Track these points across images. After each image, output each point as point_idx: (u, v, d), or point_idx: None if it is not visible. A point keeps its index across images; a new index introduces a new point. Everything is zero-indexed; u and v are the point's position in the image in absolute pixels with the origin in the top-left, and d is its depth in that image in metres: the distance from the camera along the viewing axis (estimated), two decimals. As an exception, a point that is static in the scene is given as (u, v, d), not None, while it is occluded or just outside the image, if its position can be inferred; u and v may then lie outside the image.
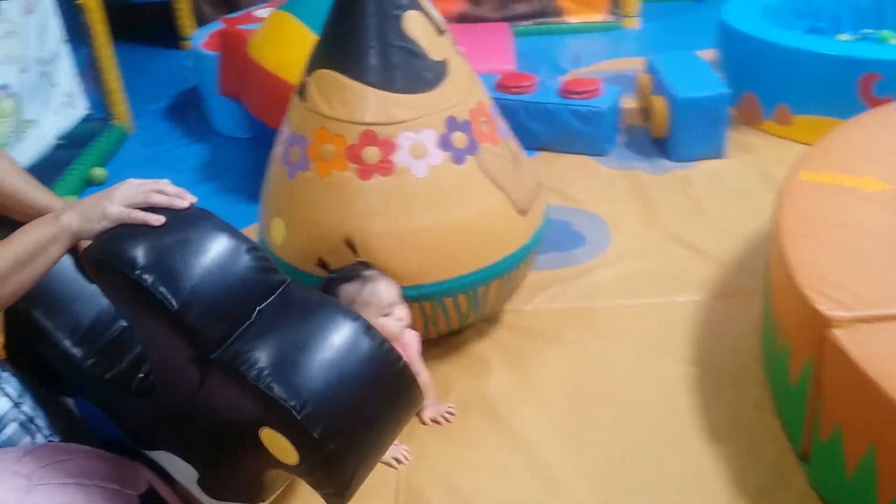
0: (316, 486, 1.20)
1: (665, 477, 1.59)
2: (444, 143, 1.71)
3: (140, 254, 1.13)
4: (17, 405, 1.44)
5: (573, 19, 4.58)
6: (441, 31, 1.77)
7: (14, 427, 1.41)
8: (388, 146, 1.68)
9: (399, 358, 1.17)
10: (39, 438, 1.44)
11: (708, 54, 3.28)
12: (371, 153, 1.68)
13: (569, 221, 2.53)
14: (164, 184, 1.24)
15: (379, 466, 1.58)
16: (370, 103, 1.68)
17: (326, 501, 1.22)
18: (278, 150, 1.84)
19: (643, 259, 2.30)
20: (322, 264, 1.69)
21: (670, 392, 1.80)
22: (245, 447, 1.19)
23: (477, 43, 3.83)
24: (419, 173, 1.69)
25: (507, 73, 3.19)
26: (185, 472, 1.32)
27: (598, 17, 4.58)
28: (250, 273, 1.18)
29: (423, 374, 1.69)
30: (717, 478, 1.58)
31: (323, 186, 1.71)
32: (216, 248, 1.17)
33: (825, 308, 1.44)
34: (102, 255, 1.16)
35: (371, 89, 1.68)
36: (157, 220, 1.17)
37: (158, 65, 4.24)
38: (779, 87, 2.97)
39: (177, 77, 3.92)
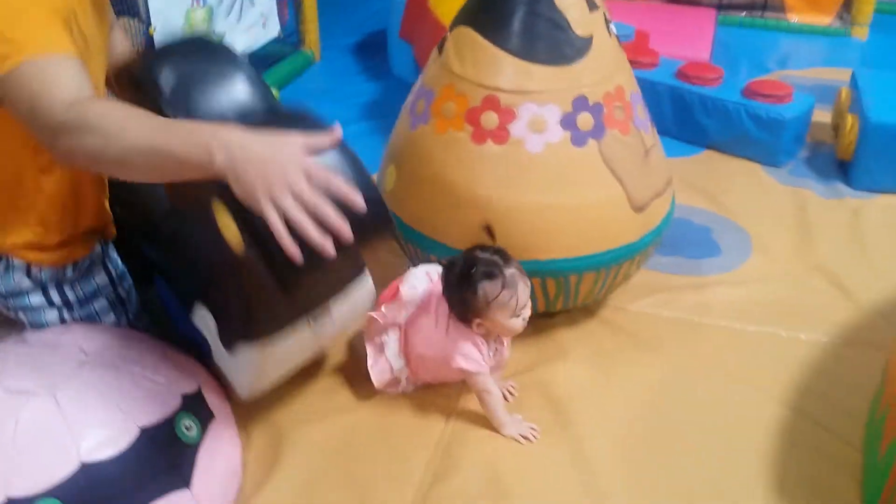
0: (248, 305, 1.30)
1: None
2: (568, 122, 1.65)
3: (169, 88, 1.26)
4: (113, 284, 1.58)
5: (795, 18, 4.20)
6: (594, 6, 1.70)
7: (104, 303, 1.55)
8: (507, 114, 1.65)
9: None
10: (123, 320, 1.58)
11: (934, 80, 2.91)
12: (489, 118, 1.65)
13: (709, 228, 2.37)
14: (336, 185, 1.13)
15: (419, 425, 1.61)
16: (499, 68, 1.65)
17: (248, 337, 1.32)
18: (409, 99, 1.85)
19: (776, 285, 2.12)
20: (489, 230, 1.63)
21: (754, 434, 1.65)
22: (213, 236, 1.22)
23: (673, 25, 3.66)
24: (534, 148, 1.65)
25: (693, 61, 3.01)
26: (214, 335, 1.42)
27: (824, 19, 4.16)
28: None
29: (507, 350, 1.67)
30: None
31: (437, 143, 1.71)
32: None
33: (935, 383, 1.27)
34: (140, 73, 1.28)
35: (504, 54, 1.65)
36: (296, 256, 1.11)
37: (357, 4, 4.38)
38: None
39: (372, 18, 4.04)
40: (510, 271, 1.51)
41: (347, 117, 3.01)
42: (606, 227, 1.71)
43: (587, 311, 1.98)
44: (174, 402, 1.36)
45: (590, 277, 1.74)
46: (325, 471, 1.54)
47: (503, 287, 1.49)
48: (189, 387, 1.40)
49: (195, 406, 1.40)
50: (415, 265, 1.75)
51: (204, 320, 1.46)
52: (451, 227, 1.72)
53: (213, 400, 1.44)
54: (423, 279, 1.69)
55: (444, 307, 1.58)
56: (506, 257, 1.54)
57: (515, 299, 1.50)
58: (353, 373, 1.77)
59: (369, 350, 1.67)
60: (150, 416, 1.32)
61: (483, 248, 1.55)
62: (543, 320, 1.91)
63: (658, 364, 1.84)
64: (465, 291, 1.51)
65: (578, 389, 1.75)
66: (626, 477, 1.55)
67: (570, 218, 1.67)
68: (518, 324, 1.54)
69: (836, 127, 2.86)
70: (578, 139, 1.66)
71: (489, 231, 1.58)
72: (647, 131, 1.80)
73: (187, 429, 1.36)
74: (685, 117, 2.87)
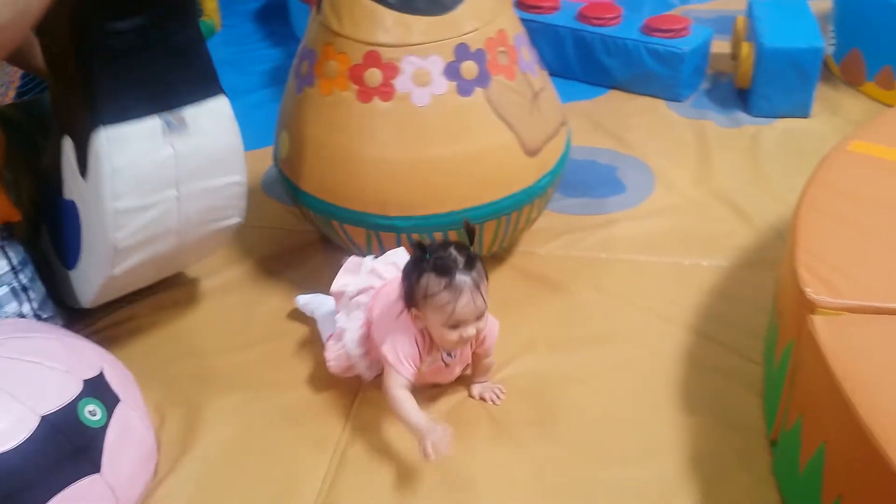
0: None
1: (630, 439, 1.53)
2: (451, 72, 1.65)
3: None
4: (15, 271, 1.54)
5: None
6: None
7: (5, 290, 1.52)
8: (390, 70, 1.64)
9: None
10: (26, 308, 1.55)
11: (827, 5, 2.99)
12: (373, 76, 1.65)
13: (614, 168, 2.41)
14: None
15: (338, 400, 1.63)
16: (378, 23, 1.64)
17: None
18: (294, 62, 1.83)
19: (678, 216, 2.18)
20: (468, 228, 1.46)
21: (660, 359, 1.71)
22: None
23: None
24: (421, 101, 1.65)
25: (592, 2, 3.02)
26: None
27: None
28: None
29: (491, 357, 1.60)
30: (680, 449, 1.50)
31: (324, 105, 1.70)
32: None
33: (812, 291, 1.33)
34: None
35: (381, 8, 1.63)
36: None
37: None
38: (886, 46, 2.67)
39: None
40: (462, 278, 1.36)
41: (251, 85, 2.96)
42: (501, 174, 1.72)
43: (497, 259, 2.01)
44: (75, 388, 1.34)
45: (491, 226, 1.77)
46: (243, 446, 1.55)
47: (445, 288, 1.36)
48: (90, 371, 1.38)
49: (98, 390, 1.38)
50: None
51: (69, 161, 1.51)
52: (348, 191, 1.72)
53: (117, 383, 1.43)
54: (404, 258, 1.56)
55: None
56: (471, 264, 1.39)
57: (452, 307, 1.36)
58: (271, 348, 1.78)
59: (327, 334, 1.63)
60: (51, 403, 1.30)
61: (460, 246, 1.42)
62: (453, 272, 1.93)
63: (567, 301, 1.88)
64: (411, 275, 1.41)
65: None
66: (535, 410, 1.60)
67: (463, 168, 1.68)
68: (452, 336, 1.39)
69: (735, 56, 2.92)
70: (464, 89, 1.66)
71: (469, 229, 1.44)
72: (535, 74, 1.81)
73: (91, 413, 1.34)
74: (588, 59, 2.89)
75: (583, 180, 2.32)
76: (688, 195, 2.27)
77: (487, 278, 1.44)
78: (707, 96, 2.81)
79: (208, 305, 1.91)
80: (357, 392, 1.64)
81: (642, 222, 2.16)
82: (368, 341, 1.55)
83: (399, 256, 1.59)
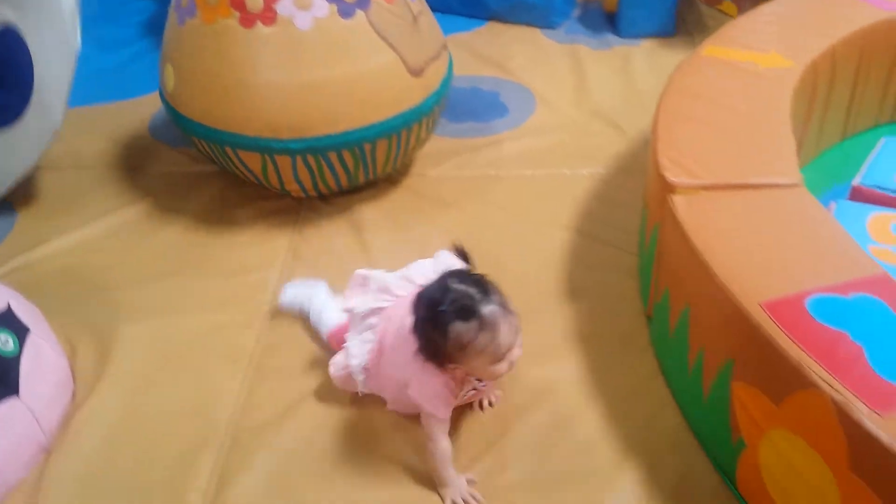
0: None
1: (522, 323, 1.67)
2: (332, -4, 1.71)
3: None
4: None
5: None
6: None
7: None
8: (272, -5, 1.69)
9: None
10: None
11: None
12: (254, 1, 1.69)
13: (497, 93, 2.53)
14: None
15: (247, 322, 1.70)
16: (256, -50, 1.68)
17: None
18: (174, -3, 1.85)
19: (559, 133, 2.32)
20: (461, 252, 1.36)
21: (547, 256, 1.85)
22: None
23: None
24: (303, 25, 1.70)
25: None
26: None
27: None
28: None
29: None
30: (566, 328, 1.66)
31: (208, 34, 1.73)
32: None
33: (671, 174, 1.48)
34: None
35: (259, -65, 1.67)
36: None
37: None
38: (735, -33, 2.88)
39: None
40: (489, 309, 1.19)
41: (128, 37, 2.92)
42: (388, 94, 1.81)
43: (391, 181, 2.10)
44: (-16, 321, 1.37)
45: (383, 144, 1.85)
46: (158, 368, 1.60)
47: (480, 329, 1.18)
48: (-5, 306, 1.41)
49: (7, 322, 1.41)
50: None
51: None
52: (239, 117, 1.76)
53: (25, 316, 1.46)
54: (420, 275, 1.39)
55: None
56: (485, 289, 1.22)
57: (495, 344, 1.19)
58: (176, 278, 1.82)
59: (328, 329, 1.56)
60: (-39, 336, 1.32)
61: (460, 275, 1.24)
62: (348, 197, 2.02)
63: (458, 216, 2.00)
64: (433, 333, 1.20)
65: (379, 251, 1.88)
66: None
67: (351, 89, 1.75)
68: (501, 368, 1.23)
69: (602, -16, 3.07)
70: (345, 11, 1.72)
71: (461, 252, 1.31)
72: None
73: (3, 343, 1.37)
74: (465, -7, 2.99)
75: (469, 106, 2.43)
76: (566, 113, 2.42)
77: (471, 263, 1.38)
78: (579, 22, 2.96)
79: (109, 245, 1.93)
80: (262, 308, 1.72)
81: (526, 140, 2.29)
82: (376, 367, 1.39)
83: (411, 270, 1.43)
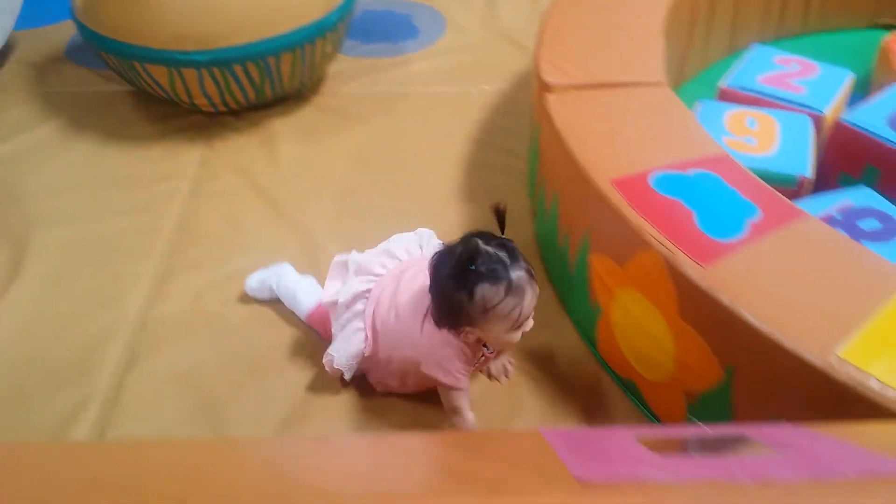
0: None
1: (418, 219, 1.75)
2: (231, -89, 1.77)
3: None
4: None
5: None
6: None
7: None
8: None
9: None
10: None
11: None
12: (155, -84, 1.74)
13: (409, 15, 2.61)
14: None
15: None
16: None
17: None
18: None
19: (466, 53, 2.42)
20: (498, 211, 1.23)
21: (448, 163, 1.97)
22: None
23: None
24: (205, -60, 1.77)
25: None
26: None
27: None
28: None
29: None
30: (462, 224, 1.78)
31: (111, -52, 1.78)
32: None
33: (547, 76, 1.60)
34: None
35: None
36: None
37: None
38: None
39: None
40: (517, 274, 1.15)
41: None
42: (291, 7, 1.88)
43: (302, 98, 2.19)
44: None
45: (287, 58, 1.93)
46: (70, 268, 1.68)
47: (507, 294, 1.14)
48: None
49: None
50: None
51: None
52: (145, 30, 1.82)
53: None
54: (402, 250, 1.39)
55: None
56: (514, 254, 1.17)
57: (519, 310, 1.16)
58: (88, 189, 1.89)
59: (306, 308, 1.50)
60: None
61: (487, 237, 1.18)
62: (259, 112, 2.10)
63: (365, 130, 2.10)
64: (458, 292, 1.15)
65: (288, 162, 1.97)
66: (342, 220, 1.82)
67: (255, 1, 1.83)
68: (515, 337, 1.21)
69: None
70: (245, -74, 1.79)
71: (499, 213, 1.22)
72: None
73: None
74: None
75: (381, 28, 2.52)
76: (475, 34, 2.52)
77: None
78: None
79: (23, 160, 1.99)
80: (173, 213, 1.81)
81: (435, 60, 2.39)
82: (374, 355, 1.33)
83: (391, 245, 1.40)
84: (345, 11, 2.03)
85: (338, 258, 1.40)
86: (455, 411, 1.27)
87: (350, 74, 2.30)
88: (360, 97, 2.24)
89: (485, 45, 2.47)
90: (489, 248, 1.15)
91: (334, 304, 1.34)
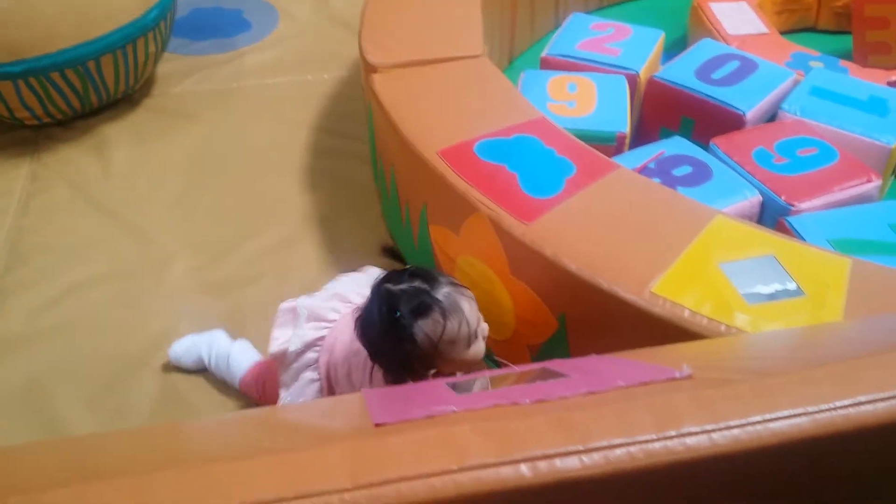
0: None
1: (267, 208, 1.80)
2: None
3: None
4: None
5: None
6: None
7: None
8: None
9: None
10: None
11: None
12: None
13: (240, 10, 2.57)
14: None
15: None
16: None
17: None
18: None
19: (301, 42, 2.41)
20: (391, 251, 1.19)
21: (289, 153, 1.97)
22: None
23: None
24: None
25: None
26: None
27: None
28: None
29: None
30: (307, 213, 1.79)
31: None
32: None
33: (371, 56, 1.62)
34: None
35: None
36: None
37: None
38: None
39: None
40: (444, 292, 1.10)
41: None
42: (104, 9, 1.82)
43: (132, 101, 2.12)
44: None
45: (108, 61, 1.87)
46: None
47: (445, 318, 1.08)
48: None
49: None
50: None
51: None
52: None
53: None
54: (354, 293, 1.28)
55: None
56: (428, 276, 1.12)
57: (466, 325, 1.09)
58: None
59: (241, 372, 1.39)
60: None
61: (392, 277, 1.13)
62: (88, 120, 2.03)
63: (200, 128, 2.06)
64: (401, 345, 1.08)
65: (120, 168, 1.92)
66: (184, 223, 1.78)
67: (66, 6, 1.76)
68: (480, 347, 1.14)
69: None
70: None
71: (391, 253, 1.15)
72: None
73: None
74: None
75: (211, 24, 2.47)
76: (308, 23, 2.51)
77: None
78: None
79: None
80: (5, 233, 1.73)
81: (269, 52, 2.37)
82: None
83: (340, 287, 1.30)
84: (164, 8, 1.98)
85: (285, 305, 1.27)
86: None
87: (182, 73, 2.25)
88: (194, 95, 2.19)
89: (319, 33, 2.47)
90: (402, 287, 1.09)
91: (283, 353, 1.23)
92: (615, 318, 1.14)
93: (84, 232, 1.73)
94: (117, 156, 1.95)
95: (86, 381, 1.41)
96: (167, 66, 2.25)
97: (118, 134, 2.02)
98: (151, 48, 1.99)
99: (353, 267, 1.35)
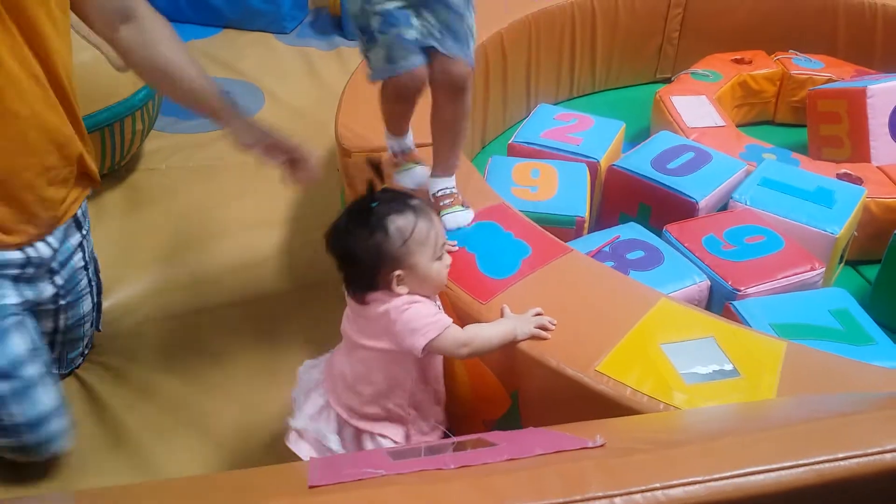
0: None
1: (239, 291, 1.86)
2: None
3: None
4: None
5: None
6: None
7: None
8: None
9: None
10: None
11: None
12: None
13: (228, 92, 2.68)
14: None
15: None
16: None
17: None
18: None
19: (285, 123, 2.45)
20: (373, 164, 1.25)
21: (270, 225, 2.08)
22: None
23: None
24: None
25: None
26: None
27: None
28: None
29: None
30: (285, 279, 1.88)
31: None
32: None
33: (346, 142, 1.73)
34: None
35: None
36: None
37: None
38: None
39: None
40: (416, 202, 1.19)
41: None
42: (96, 88, 1.92)
43: (117, 177, 2.21)
44: None
45: (96, 137, 1.96)
46: None
47: (417, 217, 1.16)
48: None
49: None
50: None
51: None
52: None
53: None
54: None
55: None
56: (397, 193, 1.22)
57: (434, 232, 1.17)
58: None
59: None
60: None
61: (367, 193, 1.18)
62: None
63: (182, 201, 2.15)
64: (374, 234, 1.14)
65: (102, 241, 1.98)
66: (165, 293, 1.85)
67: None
68: (442, 270, 1.21)
69: (329, -10, 3.32)
70: (42, 14, 1.82)
71: (374, 166, 1.24)
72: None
73: None
74: (198, 2, 3.13)
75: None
76: (292, 106, 2.63)
77: None
78: (310, 27, 3.19)
79: None
80: None
81: (254, 132, 2.47)
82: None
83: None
84: (152, 91, 2.08)
85: (295, 391, 1.35)
86: (463, 348, 1.18)
87: (168, 150, 2.35)
88: (178, 171, 2.28)
89: (303, 116, 2.58)
90: (381, 194, 1.18)
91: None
92: (564, 395, 1.20)
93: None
94: (98, 228, 2.01)
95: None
96: (156, 142, 2.34)
97: (100, 209, 2.10)
98: (139, 126, 2.08)
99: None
